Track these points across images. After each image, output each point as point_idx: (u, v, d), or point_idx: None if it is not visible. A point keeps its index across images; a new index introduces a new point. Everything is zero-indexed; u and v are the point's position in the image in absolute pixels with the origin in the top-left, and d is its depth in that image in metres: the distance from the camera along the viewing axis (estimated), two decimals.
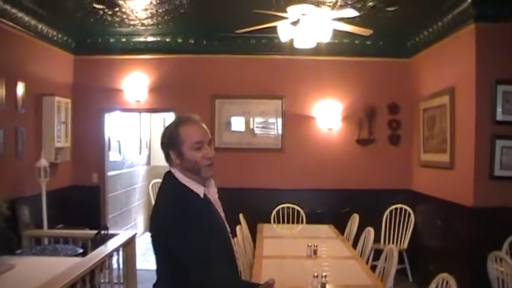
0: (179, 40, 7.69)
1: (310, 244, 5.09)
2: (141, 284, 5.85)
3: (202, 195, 2.44)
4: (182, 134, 2.44)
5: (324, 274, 3.93)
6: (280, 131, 7.85)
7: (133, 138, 10.25)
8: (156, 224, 2.41)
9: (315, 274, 3.93)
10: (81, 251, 5.55)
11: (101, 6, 6.02)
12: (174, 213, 2.33)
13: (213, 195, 2.55)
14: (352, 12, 4.95)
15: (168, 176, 2.50)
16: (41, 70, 6.79)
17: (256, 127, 7.86)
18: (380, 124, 7.78)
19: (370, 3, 5.82)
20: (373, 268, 5.09)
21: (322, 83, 7.79)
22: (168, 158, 2.50)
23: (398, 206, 7.45)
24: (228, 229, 2.58)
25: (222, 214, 2.59)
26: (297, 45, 5.27)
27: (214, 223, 2.44)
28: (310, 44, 5.21)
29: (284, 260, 5.18)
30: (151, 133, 11.45)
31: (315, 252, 5.05)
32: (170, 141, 2.46)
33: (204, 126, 2.52)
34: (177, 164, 2.47)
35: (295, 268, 4.85)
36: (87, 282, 4.30)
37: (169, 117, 9.25)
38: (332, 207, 7.64)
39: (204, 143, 2.44)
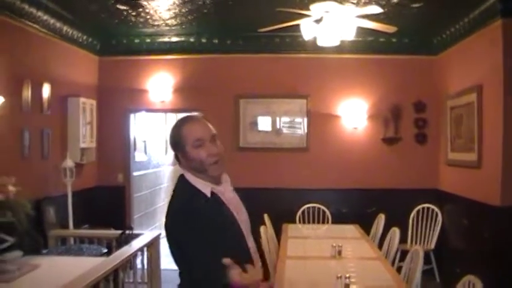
0: (203, 40, 7.69)
1: (334, 244, 5.02)
2: (165, 284, 5.85)
3: (208, 195, 2.41)
4: (183, 134, 2.43)
5: (347, 275, 3.87)
6: (305, 130, 7.80)
7: (159, 138, 10.28)
8: (166, 223, 2.42)
9: (339, 275, 3.86)
10: (105, 250, 5.59)
11: (125, 7, 6.04)
12: (177, 212, 2.38)
13: (227, 193, 2.51)
14: (376, 9, 4.89)
15: (179, 178, 2.51)
16: (66, 72, 6.85)
17: (283, 126, 7.82)
18: (406, 122, 7.67)
19: (395, 0, 5.73)
20: (399, 269, 5.00)
21: (346, 81, 7.71)
22: (177, 160, 2.51)
23: (425, 205, 7.33)
24: (245, 228, 2.53)
25: (241, 212, 2.56)
26: (321, 43, 5.22)
27: (221, 222, 2.39)
28: (333, 42, 5.16)
29: (308, 260, 5.12)
30: None
31: (340, 252, 4.98)
32: (175, 142, 2.48)
33: (207, 123, 2.49)
34: (185, 165, 2.47)
35: (319, 269, 4.79)
36: (111, 282, 4.31)
37: None
38: (358, 206, 7.56)
39: (206, 140, 2.42)
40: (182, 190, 2.47)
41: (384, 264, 4.82)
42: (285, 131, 7.82)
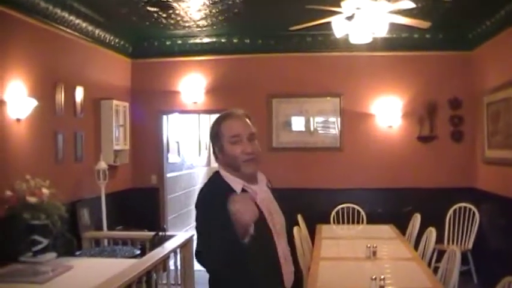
0: (234, 40, 7.68)
1: (369, 245, 4.93)
2: (199, 285, 5.85)
3: (238, 191, 2.35)
4: (222, 129, 2.42)
5: (382, 277, 3.78)
6: (334, 129, 7.72)
7: (193, 139, 10.31)
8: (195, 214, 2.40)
9: (373, 277, 3.78)
10: (138, 252, 5.60)
11: (155, 9, 6.06)
12: (200, 202, 2.37)
13: (260, 193, 2.44)
14: (409, 4, 4.79)
15: (214, 173, 2.51)
16: (99, 75, 6.91)
17: (317, 126, 7.76)
18: (441, 120, 7.52)
19: None
20: (436, 270, 4.88)
21: (380, 79, 7.59)
22: (215, 155, 2.50)
23: (462, 204, 7.15)
24: (277, 231, 2.45)
25: (276, 215, 2.48)
26: (353, 40, 5.14)
27: None
28: (366, 39, 5.07)
29: (342, 261, 5.04)
30: None
31: (374, 253, 4.88)
32: (213, 136, 2.47)
33: (247, 121, 2.46)
34: (221, 160, 2.46)
35: (353, 270, 4.70)
36: (143, 283, 4.31)
37: None
38: (393, 206, 7.43)
39: (243, 136, 2.39)
40: (212, 183, 2.46)
41: (419, 265, 4.71)
42: (318, 130, 7.74)
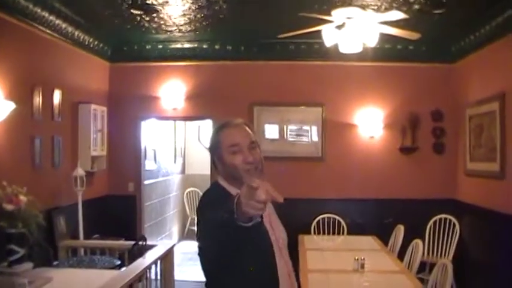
0: (216, 46, 7.56)
1: (357, 257, 4.85)
2: None
3: None
4: (220, 139, 2.33)
5: None
6: (315, 138, 7.65)
7: (168, 146, 10.14)
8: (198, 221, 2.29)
9: None
10: (118, 263, 5.42)
11: (139, 12, 5.90)
12: (206, 206, 2.25)
13: None
14: (398, 15, 4.76)
15: (213, 184, 2.40)
16: (77, 78, 6.71)
17: (299, 135, 7.67)
18: (423, 132, 7.51)
19: (416, 6, 5.58)
20: (420, 281, 4.82)
21: (363, 89, 7.56)
22: (214, 165, 2.39)
23: (443, 216, 7.13)
24: (278, 246, 2.35)
25: (278, 230, 2.42)
26: (343, 50, 5.08)
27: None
28: (356, 49, 5.01)
29: (330, 274, 4.95)
30: (185, 141, 11.35)
31: (362, 266, 4.81)
32: (212, 146, 2.37)
33: (247, 129, 2.36)
34: (221, 171, 2.35)
35: (343, 283, 4.65)
36: None
37: (205, 125, 9.14)
38: (374, 217, 7.39)
39: (243, 146, 2.28)
40: (213, 191, 2.35)
41: (409, 278, 4.66)
42: (300, 139, 7.65)
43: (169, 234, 9.86)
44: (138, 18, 6.19)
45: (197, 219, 2.29)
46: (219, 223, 1.90)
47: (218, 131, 2.37)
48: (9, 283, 4.05)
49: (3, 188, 4.33)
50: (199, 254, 2.28)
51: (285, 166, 7.43)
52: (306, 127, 7.69)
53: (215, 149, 2.34)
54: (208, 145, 2.42)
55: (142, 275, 4.74)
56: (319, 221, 7.12)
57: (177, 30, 6.80)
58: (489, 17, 5.97)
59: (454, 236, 7.00)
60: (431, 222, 7.18)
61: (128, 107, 7.66)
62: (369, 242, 6.41)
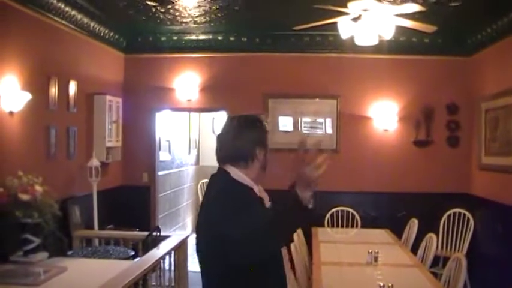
0: (231, 38, 7.53)
1: (370, 251, 4.83)
2: (192, 286, 5.70)
3: (256, 189, 2.36)
4: (268, 135, 2.42)
5: (390, 284, 3.68)
6: (329, 131, 7.62)
7: (183, 137, 10.16)
8: (207, 218, 2.29)
9: (381, 284, 3.69)
10: (132, 253, 5.45)
11: (154, 3, 5.90)
12: (226, 204, 2.21)
13: (266, 197, 2.42)
14: (414, 7, 4.71)
15: (226, 180, 2.32)
16: (93, 69, 6.73)
17: (314, 127, 7.63)
18: (438, 125, 7.46)
19: None
20: (433, 275, 4.80)
21: (377, 82, 7.50)
22: (247, 155, 2.33)
23: (457, 210, 7.09)
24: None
25: None
26: (358, 42, 5.03)
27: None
28: (371, 41, 4.97)
29: (343, 267, 4.94)
30: (200, 133, 11.36)
31: (376, 259, 4.79)
32: (257, 138, 2.36)
33: None
34: (256, 162, 2.34)
35: (357, 276, 4.63)
36: (140, 286, 4.17)
37: (220, 117, 9.13)
38: (387, 210, 7.37)
39: None
40: (233, 191, 2.31)
41: (422, 272, 4.63)
42: (313, 132, 7.61)
43: (182, 225, 9.90)
44: (153, 9, 6.18)
45: (230, 223, 2.16)
46: (289, 213, 2.18)
47: (261, 124, 2.40)
48: (24, 272, 4.08)
49: (19, 177, 4.38)
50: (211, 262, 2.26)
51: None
52: (320, 119, 7.66)
53: (263, 141, 2.37)
54: (254, 135, 2.35)
55: (156, 266, 4.78)
56: (332, 213, 7.12)
57: (192, 21, 6.79)
58: (506, 9, 5.89)
59: (468, 230, 6.96)
60: (445, 216, 7.13)
61: (142, 98, 7.66)
62: (382, 235, 6.39)
